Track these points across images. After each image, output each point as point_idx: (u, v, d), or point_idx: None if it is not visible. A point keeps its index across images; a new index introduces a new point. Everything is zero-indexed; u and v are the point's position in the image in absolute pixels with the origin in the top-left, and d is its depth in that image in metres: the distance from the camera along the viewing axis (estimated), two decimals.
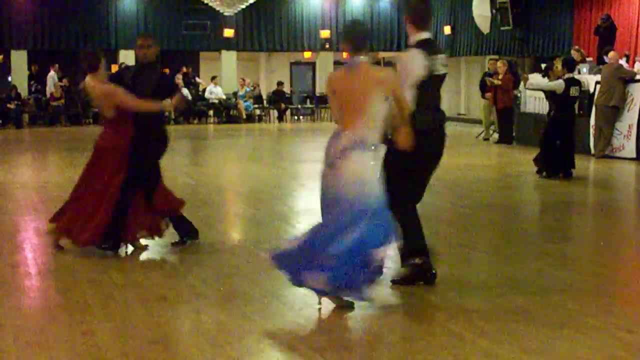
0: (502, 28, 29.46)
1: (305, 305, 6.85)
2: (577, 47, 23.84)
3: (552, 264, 8.42)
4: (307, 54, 37.14)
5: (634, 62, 22.96)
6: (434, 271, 7.33)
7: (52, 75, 31.65)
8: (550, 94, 15.79)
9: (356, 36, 6.90)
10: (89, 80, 8.94)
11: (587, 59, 22.84)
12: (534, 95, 21.92)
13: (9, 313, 6.68)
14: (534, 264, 8.46)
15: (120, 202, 8.67)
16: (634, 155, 18.33)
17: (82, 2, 32.59)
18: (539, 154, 15.80)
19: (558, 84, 15.45)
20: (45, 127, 30.43)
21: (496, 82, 22.72)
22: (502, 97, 22.80)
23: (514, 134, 22.94)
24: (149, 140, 8.88)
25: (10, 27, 31.69)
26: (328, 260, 6.39)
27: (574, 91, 15.31)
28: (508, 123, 23.03)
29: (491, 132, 24.04)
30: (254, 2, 29.95)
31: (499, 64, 23.25)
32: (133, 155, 8.78)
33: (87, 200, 8.83)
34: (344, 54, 31.44)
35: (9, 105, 30.33)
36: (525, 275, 7.91)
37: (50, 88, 31.51)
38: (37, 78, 32.32)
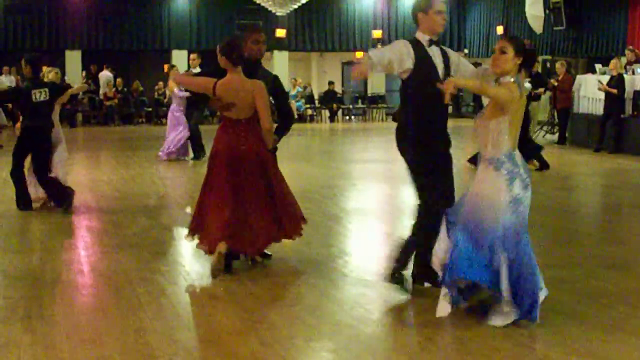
0: (555, 28, 29.24)
1: (356, 304, 6.86)
2: (631, 47, 23.59)
3: (604, 266, 8.34)
4: (359, 54, 37.10)
5: None
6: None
7: (105, 75, 31.97)
8: None
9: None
10: (234, 77, 7.82)
11: None
12: (587, 96, 21.76)
13: (62, 310, 6.76)
14: (586, 266, 8.39)
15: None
16: None
17: (135, 2, 32.87)
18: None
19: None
20: (99, 127, 30.73)
21: (553, 82, 22.64)
22: (560, 98, 22.65)
23: (566, 134, 22.76)
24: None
25: (65, 27, 32.04)
26: None
27: None
28: (564, 124, 22.86)
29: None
30: (306, 2, 29.98)
31: (557, 64, 23.18)
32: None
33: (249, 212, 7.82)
34: None
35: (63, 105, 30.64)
36: (576, 277, 7.84)
37: (103, 88, 31.83)
38: (93, 78, 32.68)
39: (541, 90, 22.07)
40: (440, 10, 7.19)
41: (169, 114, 18.94)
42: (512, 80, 6.51)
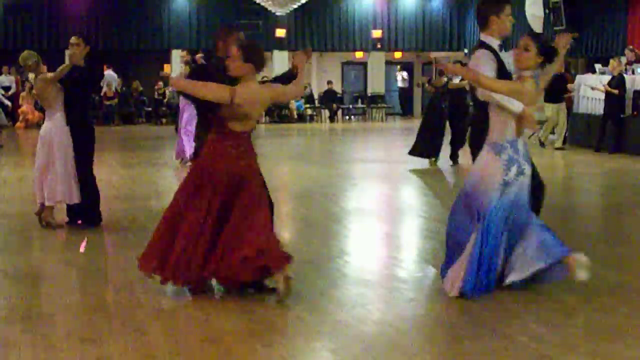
0: (555, 28, 29.20)
1: (356, 304, 6.86)
2: (631, 47, 23.58)
3: (605, 266, 8.32)
4: (359, 54, 37.12)
5: None
6: None
7: (110, 74, 31.98)
8: None
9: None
10: (253, 85, 7.04)
11: None
12: (587, 96, 21.73)
13: (61, 309, 6.76)
14: None
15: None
16: None
17: (135, 2, 32.85)
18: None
19: None
20: (99, 126, 30.65)
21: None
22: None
23: (566, 134, 22.70)
24: None
25: (65, 27, 32.02)
26: None
27: None
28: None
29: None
30: (306, 2, 29.96)
31: None
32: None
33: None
34: (396, 54, 31.28)
35: None
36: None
37: (104, 87, 31.83)
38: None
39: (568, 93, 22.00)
40: (509, 13, 7.28)
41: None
42: (529, 74, 6.87)
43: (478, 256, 6.86)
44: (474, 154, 7.41)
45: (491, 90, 6.78)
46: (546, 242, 7.00)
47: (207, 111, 7.09)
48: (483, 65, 7.03)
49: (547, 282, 7.13)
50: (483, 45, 7.22)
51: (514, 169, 6.91)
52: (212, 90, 6.86)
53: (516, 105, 6.82)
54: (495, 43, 7.24)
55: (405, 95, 38.93)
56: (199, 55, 17.58)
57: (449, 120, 17.81)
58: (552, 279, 7.11)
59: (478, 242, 6.88)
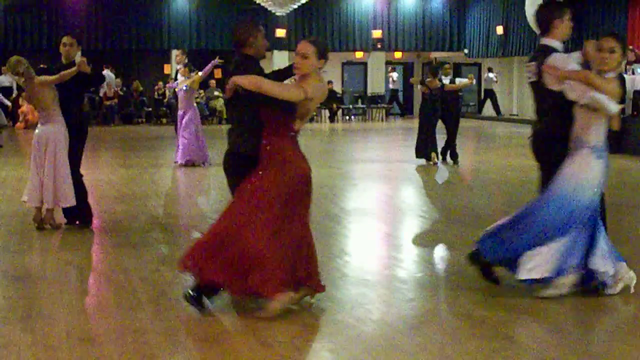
0: None
1: (356, 304, 6.85)
2: (631, 47, 23.56)
3: None
4: (359, 54, 37.12)
5: None
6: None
7: (108, 74, 31.99)
8: None
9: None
10: (316, 80, 6.81)
11: None
12: None
13: (61, 309, 6.75)
14: None
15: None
16: None
17: (135, 2, 32.87)
18: None
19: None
20: (99, 127, 30.73)
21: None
22: None
23: None
24: None
25: (64, 27, 32.03)
26: None
27: None
28: None
29: None
30: (306, 2, 29.99)
31: None
32: None
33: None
34: (396, 54, 31.37)
35: None
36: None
37: (103, 88, 31.85)
38: None
39: None
40: (570, 17, 7.22)
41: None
42: (613, 76, 6.88)
43: (571, 251, 6.84)
44: (548, 163, 7.18)
45: (601, 90, 6.68)
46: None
47: (282, 111, 6.68)
48: (570, 66, 6.95)
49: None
50: (550, 49, 7.11)
51: (607, 172, 6.99)
52: (288, 90, 6.60)
53: (615, 106, 6.79)
54: (559, 46, 7.14)
55: (396, 96, 38.81)
56: (219, 61, 17.36)
57: (442, 120, 17.88)
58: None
59: (570, 240, 6.83)
